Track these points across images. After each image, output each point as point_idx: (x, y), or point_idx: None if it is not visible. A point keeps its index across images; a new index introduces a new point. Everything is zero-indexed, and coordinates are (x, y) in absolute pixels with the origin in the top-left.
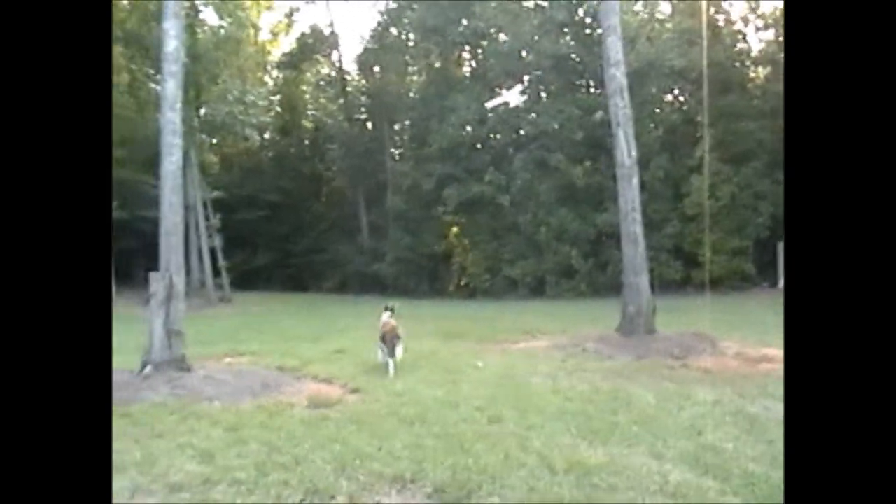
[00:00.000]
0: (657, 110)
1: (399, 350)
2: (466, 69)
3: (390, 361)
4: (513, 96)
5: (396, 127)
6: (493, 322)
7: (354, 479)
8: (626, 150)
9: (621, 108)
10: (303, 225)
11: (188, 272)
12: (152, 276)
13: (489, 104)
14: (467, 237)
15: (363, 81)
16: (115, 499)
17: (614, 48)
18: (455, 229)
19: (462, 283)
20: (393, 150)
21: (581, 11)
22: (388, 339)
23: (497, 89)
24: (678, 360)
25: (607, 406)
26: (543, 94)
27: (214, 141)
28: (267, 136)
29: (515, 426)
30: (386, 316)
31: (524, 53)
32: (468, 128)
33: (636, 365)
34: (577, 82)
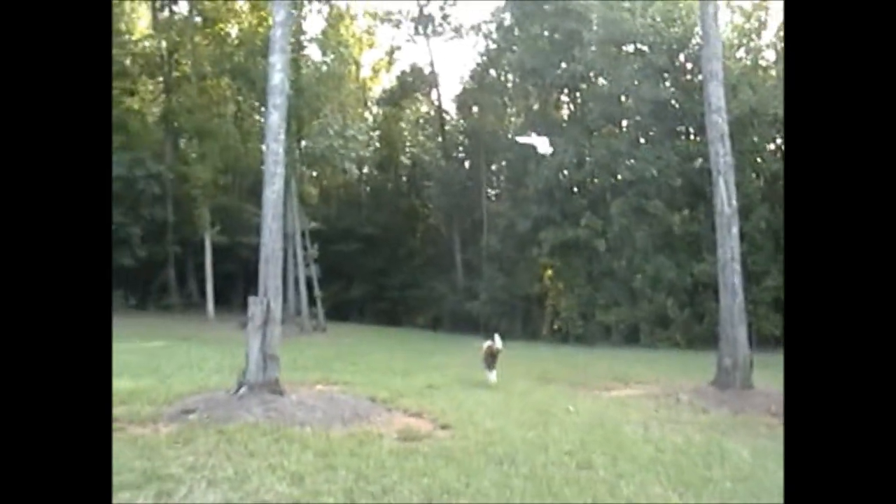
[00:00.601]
0: (759, 159)
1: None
2: (565, 112)
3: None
4: (541, 142)
5: (493, 167)
6: (585, 367)
7: None
8: (725, 199)
9: (722, 155)
10: (398, 259)
11: (285, 300)
12: (251, 300)
13: (520, 139)
14: (562, 280)
15: (461, 120)
16: None
17: (716, 94)
18: (549, 272)
19: (555, 326)
20: (489, 189)
21: (682, 57)
22: (487, 358)
23: (595, 133)
24: (775, 418)
25: (701, 459)
26: (642, 140)
27: (314, 173)
28: (365, 170)
29: (605, 473)
30: (492, 341)
31: (623, 98)
32: (565, 171)
33: (732, 420)
34: (677, 128)
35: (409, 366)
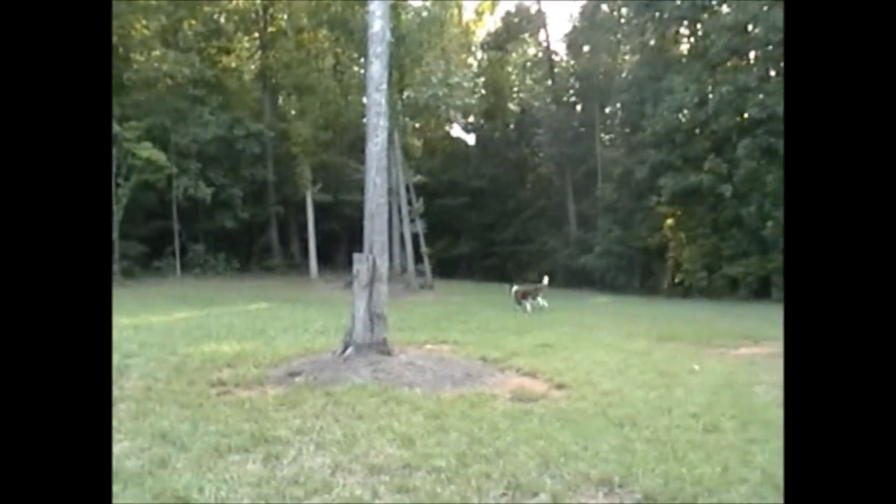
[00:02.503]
0: None
1: (538, 301)
2: (684, 46)
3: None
4: None
5: (607, 110)
6: (710, 324)
7: (559, 477)
8: None
9: None
10: (507, 213)
11: (390, 257)
12: (356, 257)
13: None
14: (683, 231)
15: (572, 62)
16: (316, 475)
17: None
18: (670, 221)
19: (676, 280)
20: (603, 135)
21: None
22: (519, 297)
23: (718, 68)
24: None
25: None
26: (772, 73)
27: (417, 125)
28: (471, 119)
29: (735, 437)
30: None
31: (750, 27)
32: (686, 111)
33: None
34: None
35: (522, 324)
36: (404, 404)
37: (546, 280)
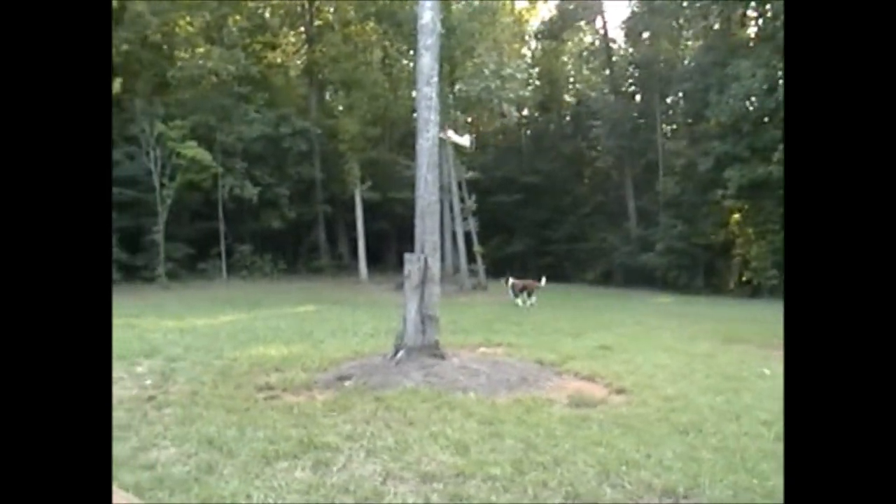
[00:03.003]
0: None
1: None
2: (752, 30)
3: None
4: (461, 139)
5: (669, 100)
6: (780, 326)
7: (619, 486)
8: None
9: None
10: (563, 209)
11: (442, 257)
12: (407, 257)
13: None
14: (751, 226)
15: (630, 49)
16: (366, 483)
17: None
18: (736, 216)
19: (743, 278)
20: (664, 126)
21: None
22: (517, 290)
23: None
24: None
25: None
26: None
27: (469, 119)
28: (525, 112)
29: None
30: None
31: None
32: (753, 98)
33: None
34: None
35: (579, 325)
36: (457, 409)
37: (544, 281)
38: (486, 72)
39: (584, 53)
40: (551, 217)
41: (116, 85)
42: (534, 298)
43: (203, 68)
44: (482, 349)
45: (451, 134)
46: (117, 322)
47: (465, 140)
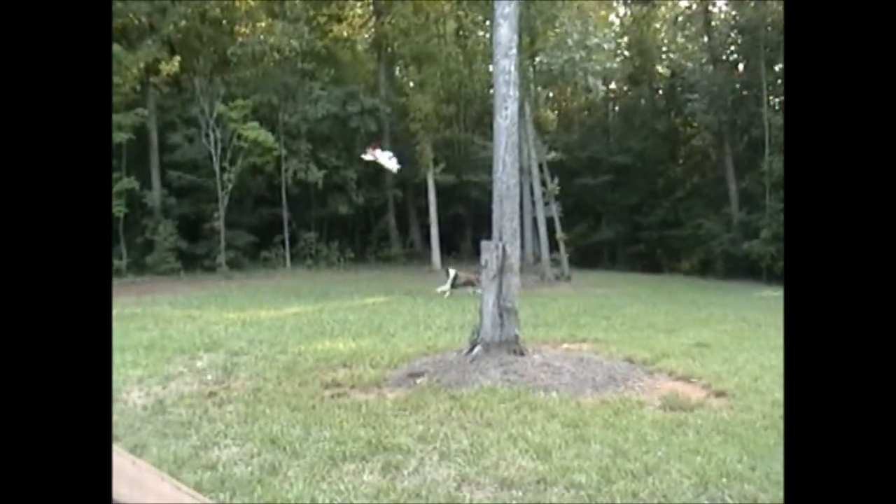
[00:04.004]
0: None
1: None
2: None
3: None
4: (388, 161)
5: (776, 68)
6: None
7: (719, 501)
8: None
9: None
10: (655, 193)
11: (522, 245)
12: (484, 245)
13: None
14: None
15: (733, 13)
16: (440, 488)
17: None
18: None
19: None
20: (771, 98)
21: None
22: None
23: None
24: None
25: None
26: None
27: (551, 94)
28: (613, 86)
29: None
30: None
31: None
32: None
33: None
34: None
35: (674, 320)
36: (539, 410)
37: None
38: (570, 42)
39: (680, 19)
40: (642, 201)
41: (175, 63)
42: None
43: (265, 44)
44: (566, 345)
45: (378, 154)
46: (177, 314)
47: (392, 163)
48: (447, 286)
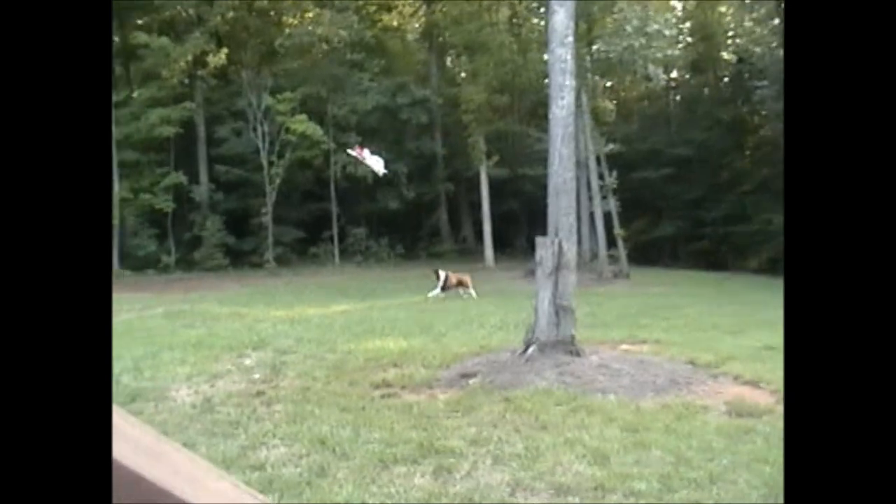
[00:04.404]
0: None
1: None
2: None
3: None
4: (375, 163)
5: None
6: None
7: None
8: None
9: None
10: (720, 186)
11: (578, 241)
12: (539, 241)
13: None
14: None
15: None
16: (493, 493)
17: None
18: None
19: None
20: None
21: None
22: (450, 283)
23: None
24: None
25: None
26: None
27: (609, 84)
28: (674, 74)
29: None
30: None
31: None
32: None
33: None
34: None
35: (740, 321)
36: (596, 414)
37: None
38: (629, 29)
39: (747, 1)
40: (706, 195)
41: (222, 56)
42: (472, 291)
43: (313, 35)
44: (625, 346)
45: (364, 154)
46: (224, 311)
47: (378, 164)
48: (437, 290)
